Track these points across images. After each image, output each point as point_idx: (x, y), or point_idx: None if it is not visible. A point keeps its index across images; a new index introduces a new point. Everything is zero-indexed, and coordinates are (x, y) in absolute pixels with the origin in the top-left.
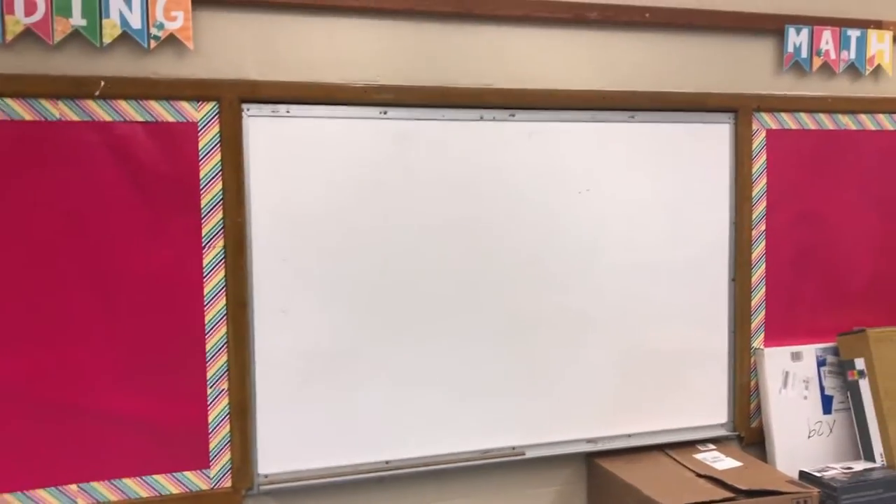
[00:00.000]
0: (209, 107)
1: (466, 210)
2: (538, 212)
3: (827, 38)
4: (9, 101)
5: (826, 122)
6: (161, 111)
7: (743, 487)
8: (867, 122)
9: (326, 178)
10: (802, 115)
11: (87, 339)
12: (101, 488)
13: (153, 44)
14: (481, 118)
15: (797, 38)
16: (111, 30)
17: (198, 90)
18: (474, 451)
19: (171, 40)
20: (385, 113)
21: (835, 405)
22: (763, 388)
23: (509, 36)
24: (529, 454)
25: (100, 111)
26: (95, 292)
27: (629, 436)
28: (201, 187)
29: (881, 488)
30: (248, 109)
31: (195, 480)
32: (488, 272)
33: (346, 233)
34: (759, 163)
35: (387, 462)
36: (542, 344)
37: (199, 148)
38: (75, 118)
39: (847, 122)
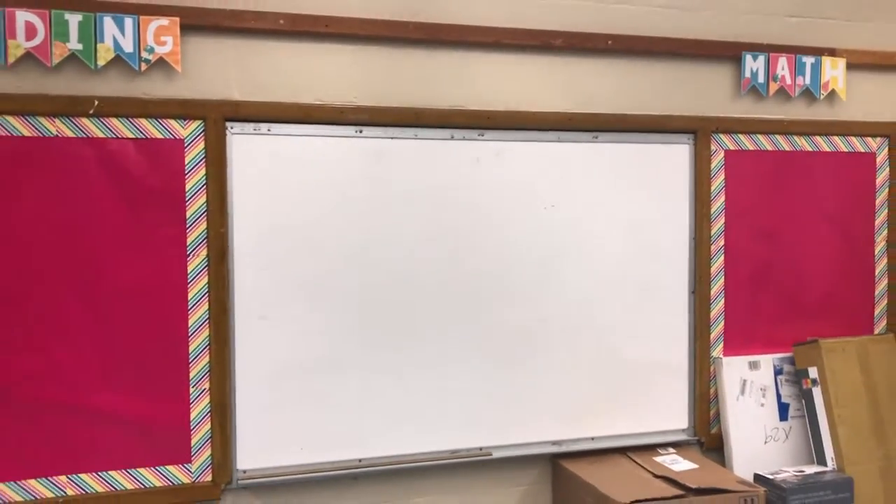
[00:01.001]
0: (195, 125)
1: (438, 223)
2: (506, 226)
3: (783, 65)
4: (9, 118)
5: (782, 143)
6: (150, 128)
7: (693, 486)
8: (822, 143)
9: (305, 192)
10: (759, 136)
11: (76, 341)
12: (90, 480)
13: (144, 66)
14: (452, 137)
15: (754, 64)
16: (105, 53)
17: (185, 109)
18: (443, 450)
19: (161, 63)
20: (360, 132)
21: (791, 412)
22: (721, 395)
23: (479, 60)
24: (496, 454)
25: (93, 128)
26: (85, 297)
27: (593, 439)
28: (187, 199)
29: (830, 489)
30: (231, 127)
31: (177, 474)
32: (458, 282)
33: (323, 244)
34: (718, 181)
35: (360, 460)
36: (509, 351)
37: (186, 163)
38: (70, 134)
39: (803, 143)
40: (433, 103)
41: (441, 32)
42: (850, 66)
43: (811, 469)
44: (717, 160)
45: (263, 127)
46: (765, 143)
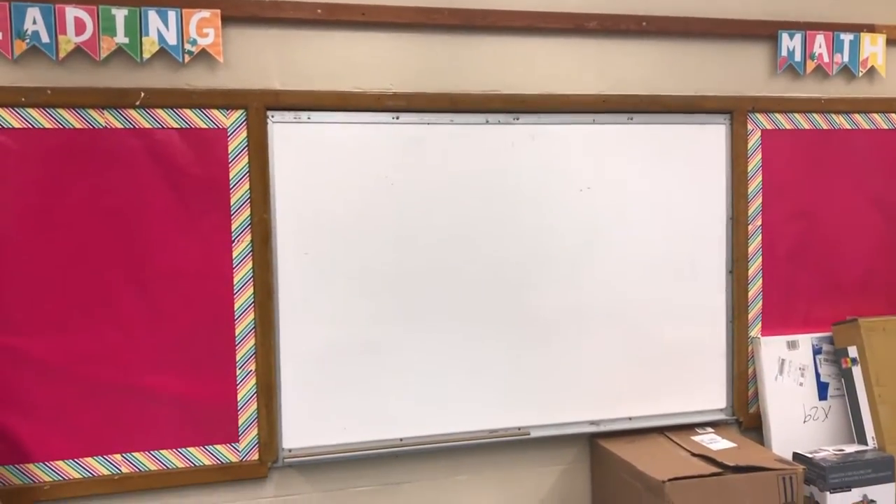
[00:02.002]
0: (237, 114)
1: (474, 208)
2: (542, 209)
3: (820, 43)
4: (61, 111)
5: (820, 121)
6: (194, 118)
7: (731, 464)
8: (861, 121)
9: (344, 178)
10: (797, 115)
11: (128, 324)
12: (142, 458)
13: (187, 58)
14: (487, 122)
15: (790, 43)
16: (150, 46)
17: (227, 99)
18: (483, 430)
19: (203, 55)
20: (397, 118)
21: (830, 391)
22: (760, 375)
23: (513, 45)
24: (535, 434)
25: (140, 119)
26: (137, 282)
27: (630, 419)
28: (231, 187)
29: (870, 468)
30: (272, 116)
31: (225, 453)
32: (496, 265)
33: (362, 229)
34: (755, 161)
35: (401, 439)
36: (547, 332)
37: (229, 151)
38: (118, 126)
39: (841, 121)
40: (468, 88)
41: (475, 18)
42: (891, 42)
43: (851, 448)
44: (754, 140)
45: (303, 115)
46: (802, 121)
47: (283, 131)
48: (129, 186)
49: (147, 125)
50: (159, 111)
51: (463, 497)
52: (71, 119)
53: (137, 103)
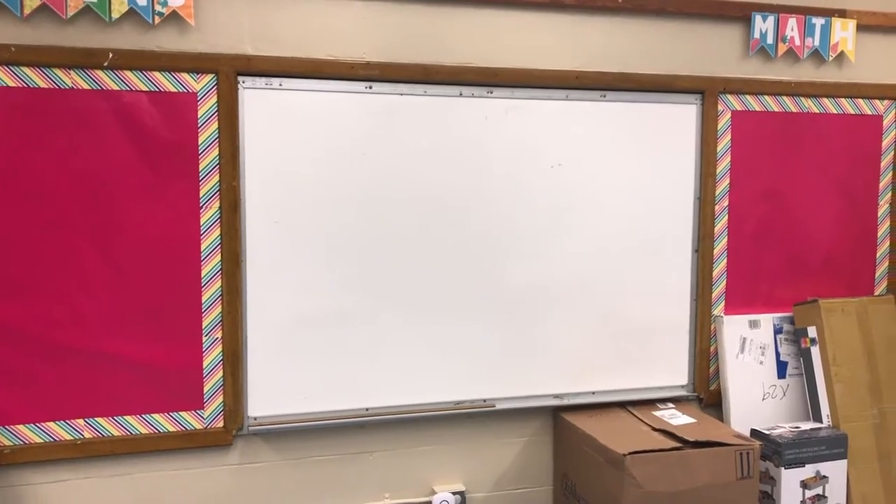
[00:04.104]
0: (208, 78)
1: (447, 180)
2: (513, 184)
3: (792, 26)
4: (25, 69)
5: (789, 104)
6: (164, 81)
7: (690, 439)
8: (829, 105)
9: (315, 146)
10: (767, 97)
11: (93, 289)
12: (106, 423)
13: (157, 19)
14: (461, 94)
15: (763, 25)
16: (119, 6)
17: (197, 63)
18: (448, 401)
19: (174, 17)
20: (370, 88)
21: (789, 370)
22: (721, 353)
23: (489, 17)
24: (499, 406)
25: (108, 80)
26: (101, 246)
27: (594, 393)
28: (200, 152)
29: (824, 445)
30: (243, 81)
31: (190, 420)
32: (466, 239)
33: (333, 199)
34: (724, 142)
35: (367, 409)
36: (515, 307)
37: (198, 116)
38: (85, 86)
39: (810, 105)
40: (442, 60)
41: None
42: (861, 28)
43: (807, 425)
44: (724, 120)
45: (275, 81)
46: (772, 104)
47: (255, 97)
48: (96, 149)
49: (115, 87)
50: (128, 73)
51: (427, 467)
52: (36, 78)
53: (105, 64)
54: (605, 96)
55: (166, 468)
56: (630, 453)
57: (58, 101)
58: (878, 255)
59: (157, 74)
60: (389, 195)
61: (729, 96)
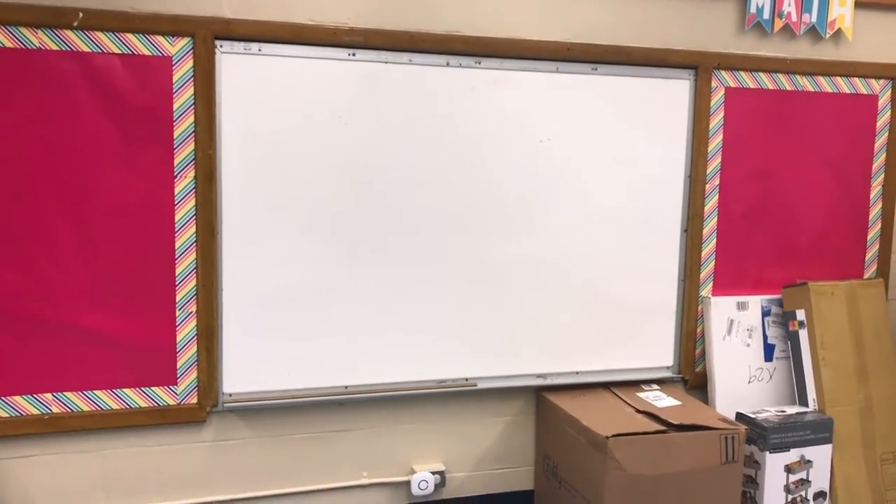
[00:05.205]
0: (184, 42)
1: (431, 152)
2: (500, 158)
3: (789, 1)
4: None
5: (784, 82)
6: (137, 44)
7: (675, 422)
8: (825, 83)
9: (295, 115)
10: (761, 74)
11: (62, 260)
12: (75, 398)
13: None
14: (448, 64)
15: (759, 0)
16: None
17: (173, 25)
18: (430, 380)
19: None
20: (353, 55)
21: (776, 353)
22: (708, 334)
23: None
24: (482, 385)
25: (78, 41)
26: (71, 215)
27: (577, 373)
28: (174, 119)
29: (810, 430)
30: (221, 46)
31: (163, 396)
32: (450, 214)
33: (313, 169)
34: (717, 119)
35: (346, 387)
36: (499, 284)
37: (173, 81)
38: (54, 47)
39: (805, 83)
40: (429, 28)
41: None
42: (859, 5)
43: (793, 409)
44: (718, 97)
45: (254, 46)
46: (766, 81)
47: (232, 62)
48: (65, 113)
49: (85, 49)
50: (99, 34)
51: (406, 446)
52: (1, 37)
53: (75, 24)
54: (596, 69)
55: (138, 445)
56: (613, 436)
57: (24, 62)
58: (868, 237)
59: (130, 36)
60: (371, 166)
61: (723, 72)
